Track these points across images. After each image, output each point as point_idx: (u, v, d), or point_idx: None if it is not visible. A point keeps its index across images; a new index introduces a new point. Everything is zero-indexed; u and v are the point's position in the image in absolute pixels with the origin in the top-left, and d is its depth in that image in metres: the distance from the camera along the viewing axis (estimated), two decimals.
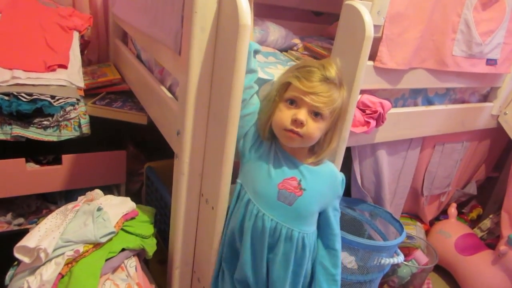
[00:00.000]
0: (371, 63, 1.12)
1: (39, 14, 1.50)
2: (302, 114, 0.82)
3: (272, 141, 0.92)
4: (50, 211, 1.60)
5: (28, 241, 0.82)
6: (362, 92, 1.15)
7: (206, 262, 1.02)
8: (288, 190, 0.87)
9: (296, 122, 0.82)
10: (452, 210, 1.88)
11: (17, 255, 0.83)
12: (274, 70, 1.06)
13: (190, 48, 0.82)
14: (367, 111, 1.15)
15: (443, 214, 1.98)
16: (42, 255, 0.82)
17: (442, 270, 1.84)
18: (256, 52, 0.86)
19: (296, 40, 1.43)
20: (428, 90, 1.41)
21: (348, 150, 1.30)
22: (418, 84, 1.30)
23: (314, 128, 0.84)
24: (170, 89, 1.11)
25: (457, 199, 1.97)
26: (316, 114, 0.83)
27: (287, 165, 0.89)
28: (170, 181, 1.46)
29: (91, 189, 1.17)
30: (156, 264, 1.40)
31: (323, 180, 0.92)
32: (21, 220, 1.53)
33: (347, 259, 1.33)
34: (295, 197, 0.87)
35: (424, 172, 1.67)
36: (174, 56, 0.94)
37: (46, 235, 0.85)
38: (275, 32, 1.32)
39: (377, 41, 1.09)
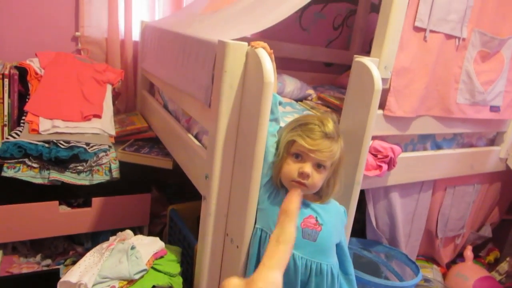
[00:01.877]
0: (380, 111, 1.22)
1: (77, 70, 1.66)
2: (308, 168, 0.94)
3: (286, 189, 1.01)
4: (77, 253, 1.68)
5: (71, 276, 0.90)
6: (374, 138, 1.24)
7: None
8: (309, 227, 0.97)
9: (303, 174, 0.94)
10: (468, 252, 1.89)
11: None
12: (292, 119, 1.17)
13: (220, 102, 0.93)
14: (379, 156, 1.24)
15: (459, 257, 1.98)
16: None
17: None
18: (279, 103, 0.97)
19: (310, 91, 1.56)
20: (436, 136, 1.50)
21: (362, 192, 1.37)
22: (425, 130, 1.39)
23: (318, 179, 0.95)
24: (196, 137, 1.22)
25: (472, 242, 1.98)
26: (319, 166, 0.95)
27: (302, 207, 0.99)
28: (192, 222, 1.53)
29: (116, 231, 1.25)
30: None
31: (332, 214, 1.03)
32: (48, 261, 1.60)
33: None
34: (317, 233, 0.97)
35: (437, 214, 1.71)
36: (203, 108, 1.05)
37: (86, 271, 0.93)
38: (291, 84, 1.45)
39: (385, 92, 1.19)
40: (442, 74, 1.32)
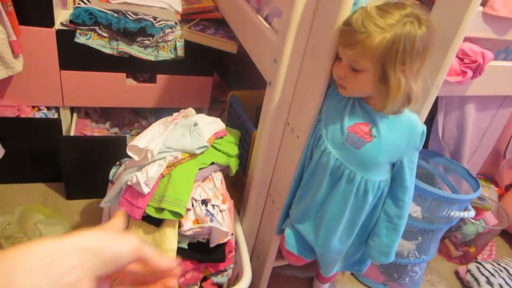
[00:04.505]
0: (480, 8, 1.05)
1: None
2: (340, 68, 0.83)
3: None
4: (141, 125, 1.79)
5: (139, 142, 0.96)
6: (464, 39, 1.09)
7: (282, 187, 1.10)
8: (357, 134, 0.88)
9: (338, 76, 0.85)
10: None
11: (129, 152, 0.96)
12: None
13: None
14: (466, 60, 1.10)
15: None
16: (149, 155, 0.95)
17: (509, 236, 1.80)
18: None
19: None
20: None
21: (435, 100, 1.27)
22: None
23: (355, 82, 0.83)
24: (266, 19, 1.14)
25: None
26: (354, 67, 0.82)
27: (362, 111, 0.89)
28: (251, 111, 1.54)
29: (178, 110, 1.28)
30: (229, 186, 1.53)
31: (399, 130, 0.88)
32: (116, 129, 1.73)
33: (413, 208, 1.35)
34: (364, 143, 0.87)
35: (511, 135, 1.58)
36: None
37: (152, 139, 0.98)
38: None
39: None
40: None
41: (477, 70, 1.11)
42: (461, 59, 1.11)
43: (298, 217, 1.05)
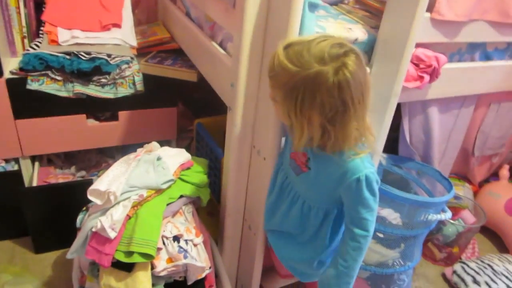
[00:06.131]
0: (428, 15, 1.07)
1: None
2: (270, 93, 0.82)
3: None
4: (109, 165, 1.72)
5: (100, 185, 0.91)
6: (417, 45, 1.11)
7: (256, 211, 1.07)
8: (296, 161, 0.89)
9: None
10: (504, 172, 1.82)
11: (90, 197, 0.92)
12: (325, 23, 1.05)
13: (245, 0, 0.82)
14: (421, 65, 1.12)
15: (493, 176, 1.92)
16: (112, 197, 0.90)
17: (489, 231, 1.81)
18: (314, 6, 0.85)
19: None
20: (487, 45, 1.34)
21: (398, 106, 1.28)
22: (477, 37, 1.23)
23: (274, 107, 0.82)
24: (221, 45, 1.13)
25: (510, 161, 1.90)
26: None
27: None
28: (218, 136, 1.52)
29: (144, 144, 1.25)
30: (205, 216, 1.49)
31: (330, 170, 0.83)
32: (83, 173, 1.67)
33: (392, 216, 1.35)
34: (301, 171, 0.88)
35: (476, 132, 1.61)
36: (227, 9, 0.95)
37: (113, 180, 0.93)
38: None
39: None
40: None
41: (434, 74, 1.13)
42: (417, 65, 1.13)
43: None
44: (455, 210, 1.63)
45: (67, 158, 1.70)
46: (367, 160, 0.82)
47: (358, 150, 0.79)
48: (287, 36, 0.79)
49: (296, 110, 0.74)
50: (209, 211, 1.48)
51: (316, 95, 0.71)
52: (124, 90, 1.43)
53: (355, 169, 0.80)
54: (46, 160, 1.65)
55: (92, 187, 0.91)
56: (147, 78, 1.46)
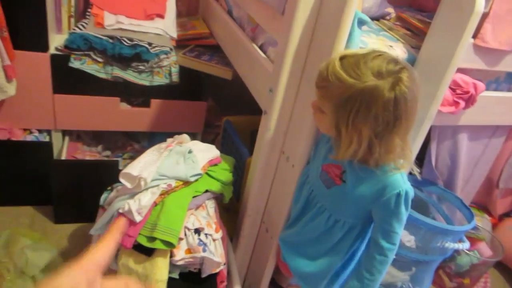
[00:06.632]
0: (471, 40, 1.07)
1: None
2: (313, 103, 0.82)
3: None
4: (134, 149, 1.77)
5: (132, 169, 0.94)
6: (456, 70, 1.10)
7: (276, 216, 1.09)
8: (329, 174, 0.88)
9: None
10: None
11: (122, 179, 0.94)
12: (368, 38, 1.06)
13: (296, 9, 0.84)
14: (458, 91, 1.12)
15: None
16: (142, 183, 0.93)
17: (504, 268, 1.78)
18: (362, 23, 0.86)
19: (390, 9, 1.39)
20: None
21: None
22: None
23: (317, 118, 0.83)
24: (261, 48, 1.15)
25: None
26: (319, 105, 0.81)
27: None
28: (244, 135, 1.54)
29: (171, 134, 1.27)
30: (223, 211, 1.51)
31: (368, 184, 0.82)
32: (108, 153, 1.71)
33: (406, 238, 1.34)
34: (333, 184, 0.87)
35: (504, 164, 1.59)
36: (274, 16, 0.97)
37: (145, 167, 0.96)
38: None
39: (481, 17, 1.03)
40: None
41: (470, 100, 1.12)
42: (454, 90, 1.12)
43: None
44: (472, 241, 1.60)
45: (95, 137, 1.75)
46: (405, 176, 0.83)
47: (399, 165, 0.80)
48: (334, 49, 0.80)
49: (348, 122, 0.74)
50: (226, 207, 1.51)
51: (372, 108, 0.71)
52: (159, 79, 1.47)
53: (395, 184, 0.80)
54: (76, 135, 1.70)
55: (124, 170, 0.94)
56: (182, 70, 1.49)
